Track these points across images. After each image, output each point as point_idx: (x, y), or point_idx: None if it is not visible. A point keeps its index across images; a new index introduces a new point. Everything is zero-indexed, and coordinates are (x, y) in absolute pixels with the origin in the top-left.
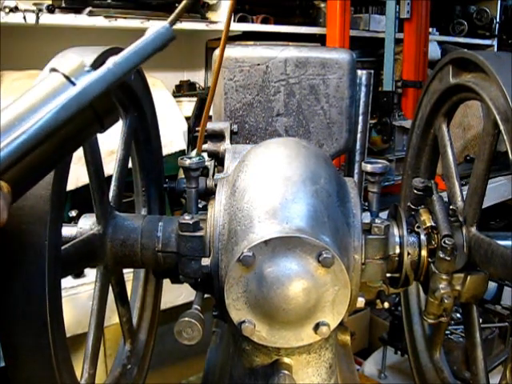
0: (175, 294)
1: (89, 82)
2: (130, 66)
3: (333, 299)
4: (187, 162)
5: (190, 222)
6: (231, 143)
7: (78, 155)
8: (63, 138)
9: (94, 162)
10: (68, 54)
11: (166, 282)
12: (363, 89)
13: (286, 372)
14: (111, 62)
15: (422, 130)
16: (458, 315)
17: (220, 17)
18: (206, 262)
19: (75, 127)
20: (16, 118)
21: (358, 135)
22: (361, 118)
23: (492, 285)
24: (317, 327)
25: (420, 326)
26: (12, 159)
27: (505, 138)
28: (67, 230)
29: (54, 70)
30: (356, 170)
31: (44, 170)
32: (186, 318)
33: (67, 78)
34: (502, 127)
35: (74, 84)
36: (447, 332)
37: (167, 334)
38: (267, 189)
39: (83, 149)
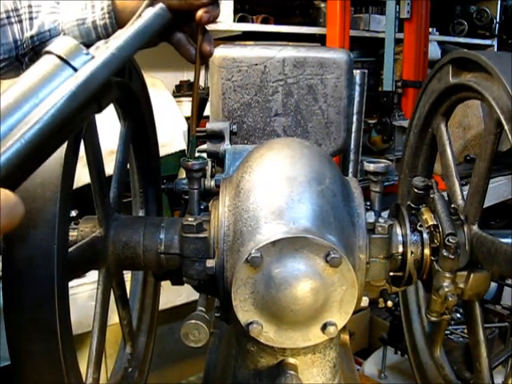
0: (175, 293)
1: (94, 68)
2: (132, 48)
3: (340, 299)
4: (190, 163)
5: (194, 224)
6: (230, 143)
7: (79, 155)
8: (63, 125)
9: (95, 165)
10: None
11: (166, 282)
12: (357, 88)
13: (293, 372)
14: (114, 46)
15: (419, 129)
16: (458, 315)
17: (220, 16)
18: (210, 263)
19: (75, 112)
20: (15, 103)
21: (353, 134)
22: (355, 117)
23: (492, 285)
24: (324, 327)
25: (419, 324)
26: (22, 156)
27: (509, 137)
28: (69, 233)
29: (48, 52)
30: (351, 170)
31: (40, 158)
32: (193, 321)
33: (63, 59)
34: (506, 126)
35: (71, 66)
36: (447, 332)
37: (167, 334)
38: (273, 189)
39: (85, 151)
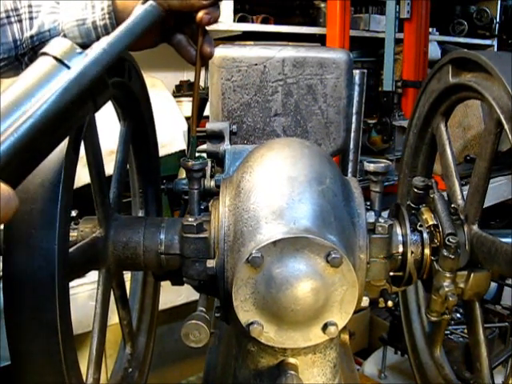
0: (175, 293)
1: (86, 64)
2: (122, 44)
3: (341, 299)
4: (190, 163)
5: (194, 224)
6: (229, 144)
7: (79, 155)
8: (58, 121)
9: (95, 165)
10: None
11: (166, 282)
12: (357, 88)
13: (293, 372)
14: (105, 42)
15: (419, 129)
16: (458, 315)
17: (220, 17)
18: (211, 263)
19: (70, 109)
20: (11, 104)
21: (352, 134)
22: (354, 117)
23: (492, 285)
24: (325, 327)
25: (419, 324)
26: (15, 150)
27: (509, 136)
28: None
29: (44, 53)
30: (350, 169)
31: (37, 155)
32: (193, 321)
33: (59, 60)
34: (506, 126)
35: (66, 66)
36: (447, 332)
37: (167, 334)
38: (273, 189)
39: (85, 151)
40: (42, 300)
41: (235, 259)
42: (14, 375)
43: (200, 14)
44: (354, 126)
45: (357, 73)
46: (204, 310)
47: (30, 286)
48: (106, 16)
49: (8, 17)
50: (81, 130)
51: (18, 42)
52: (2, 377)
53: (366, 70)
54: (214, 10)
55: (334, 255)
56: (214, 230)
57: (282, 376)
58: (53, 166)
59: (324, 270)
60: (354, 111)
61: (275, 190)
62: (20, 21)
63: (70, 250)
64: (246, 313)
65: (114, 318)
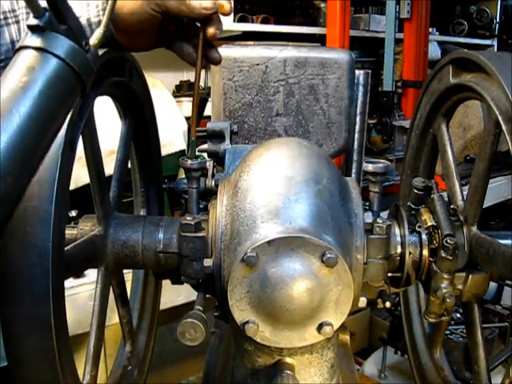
0: (175, 293)
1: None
2: None
3: (336, 299)
4: (188, 162)
5: (192, 223)
6: (231, 143)
7: (79, 155)
8: (52, 108)
9: (95, 163)
10: None
11: (166, 282)
12: (361, 88)
13: (289, 372)
14: None
15: (421, 129)
16: (458, 315)
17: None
18: (208, 262)
19: (61, 94)
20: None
21: (356, 135)
22: (358, 117)
23: (492, 285)
24: (320, 327)
25: (420, 325)
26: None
27: (507, 138)
28: (68, 231)
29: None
30: (354, 170)
31: (36, 158)
32: (189, 319)
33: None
34: (504, 127)
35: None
36: (447, 332)
37: (167, 333)
38: (270, 189)
39: (84, 150)
40: (36, 297)
41: (231, 258)
42: (11, 373)
43: (211, 30)
44: (358, 126)
45: (361, 73)
46: (201, 308)
47: (25, 283)
48: (101, 13)
49: (5, 18)
50: (77, 127)
51: (16, 44)
52: (2, 377)
53: (369, 71)
54: (218, 22)
55: (328, 255)
56: (212, 229)
57: (278, 376)
58: (48, 164)
59: (319, 270)
60: (358, 112)
61: (272, 189)
62: (17, 22)
63: (68, 247)
64: (241, 312)
65: (114, 317)
